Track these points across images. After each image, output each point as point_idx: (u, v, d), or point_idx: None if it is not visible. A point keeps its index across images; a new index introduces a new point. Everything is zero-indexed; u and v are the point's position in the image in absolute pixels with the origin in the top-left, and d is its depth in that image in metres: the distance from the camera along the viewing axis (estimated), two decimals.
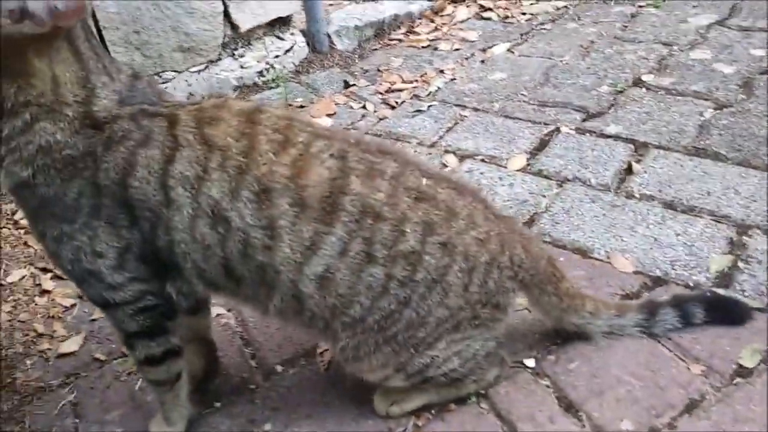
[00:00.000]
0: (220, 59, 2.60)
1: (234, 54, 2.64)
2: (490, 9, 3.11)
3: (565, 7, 3.06)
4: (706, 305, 1.33)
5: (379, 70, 2.71)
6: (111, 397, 1.39)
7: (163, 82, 2.46)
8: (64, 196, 1.02)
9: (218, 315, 1.56)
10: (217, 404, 1.34)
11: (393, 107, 2.42)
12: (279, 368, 1.41)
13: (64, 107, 0.99)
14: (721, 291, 1.43)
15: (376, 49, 2.92)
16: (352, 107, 2.47)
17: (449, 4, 3.16)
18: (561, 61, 2.55)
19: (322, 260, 1.05)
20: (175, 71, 2.48)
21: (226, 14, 2.53)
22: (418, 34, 2.98)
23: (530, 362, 1.33)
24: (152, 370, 1.19)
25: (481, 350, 1.20)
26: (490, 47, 2.77)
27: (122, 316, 1.12)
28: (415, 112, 2.34)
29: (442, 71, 2.63)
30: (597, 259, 1.56)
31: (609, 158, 1.91)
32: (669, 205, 1.70)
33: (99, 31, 2.28)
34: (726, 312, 1.35)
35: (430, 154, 2.07)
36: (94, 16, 2.26)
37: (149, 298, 1.11)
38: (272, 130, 1.06)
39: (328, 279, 1.06)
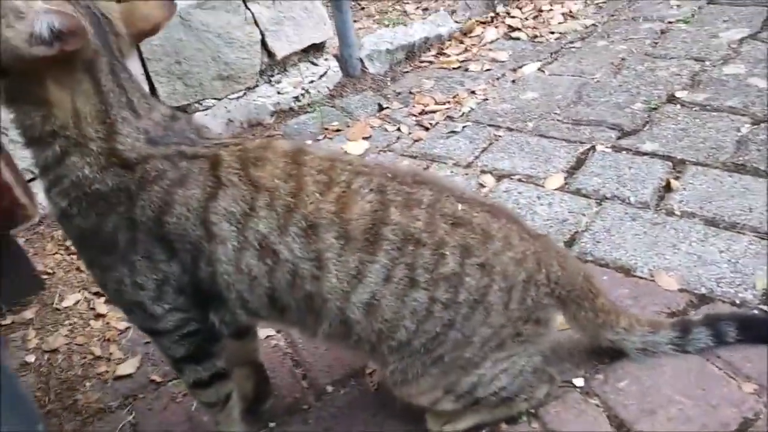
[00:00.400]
0: (257, 86, 2.67)
1: (270, 80, 2.72)
2: (518, 29, 3.15)
3: (594, 25, 3.09)
4: (738, 324, 1.34)
5: (411, 93, 2.76)
6: (169, 417, 1.44)
7: (204, 110, 2.55)
8: (101, 230, 1.05)
9: (268, 336, 1.61)
10: (272, 424, 1.38)
11: (427, 129, 2.46)
12: (330, 388, 1.44)
13: (88, 142, 1.01)
14: None
15: (407, 72, 2.97)
16: (386, 129, 2.52)
17: (478, 25, 3.21)
18: (592, 79, 2.57)
19: (367, 288, 1.09)
20: (215, 99, 2.56)
21: (263, 43, 2.61)
22: (449, 55, 3.03)
23: (579, 382, 1.35)
24: (202, 392, 1.24)
25: (527, 366, 1.23)
26: (520, 67, 2.80)
27: (168, 342, 1.17)
28: (449, 133, 2.38)
29: (473, 92, 2.67)
30: (641, 278, 1.57)
31: (647, 176, 1.92)
32: (711, 222, 1.70)
33: (143, 62, 2.37)
34: (759, 330, 1.35)
35: (466, 174, 2.10)
36: (138, 48, 2.35)
37: (192, 324, 1.15)
38: (317, 171, 1.10)
39: (374, 305, 1.10)
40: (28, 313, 1.83)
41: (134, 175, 1.03)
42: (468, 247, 1.12)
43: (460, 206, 1.15)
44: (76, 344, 1.70)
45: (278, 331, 1.62)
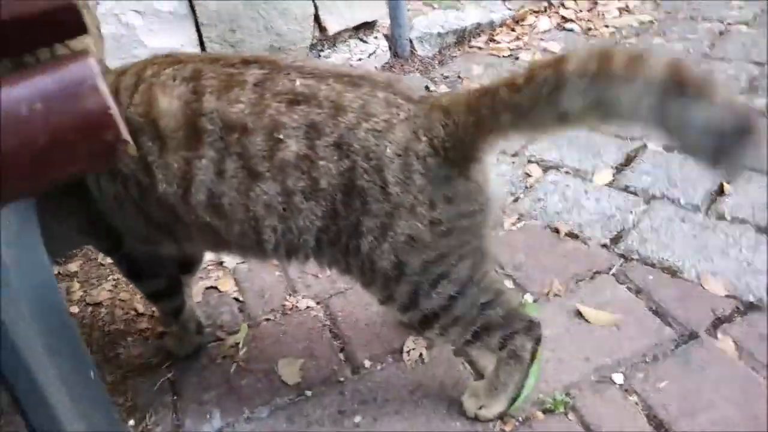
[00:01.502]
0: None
1: (319, 55, 2.72)
2: (572, 20, 3.09)
3: (651, 21, 3.02)
4: None
5: (459, 77, 2.74)
6: (207, 378, 1.47)
7: None
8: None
9: (308, 308, 1.62)
10: (308, 393, 1.40)
11: None
12: (367, 363, 1.45)
13: None
14: None
15: (456, 56, 2.95)
16: None
17: (531, 13, 3.16)
18: None
19: (201, 186, 1.04)
20: None
21: (316, 17, 2.61)
22: (499, 42, 2.99)
23: (618, 378, 1.34)
24: (155, 303, 1.50)
25: (474, 274, 1.09)
26: None
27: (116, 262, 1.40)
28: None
29: None
30: (687, 280, 1.54)
31: (698, 178, 1.88)
32: (763, 230, 1.66)
33: (198, 28, 2.39)
34: None
35: (513, 162, 2.08)
36: (194, 13, 2.37)
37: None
38: (131, 75, 1.07)
39: (217, 204, 1.04)
40: (73, 266, 1.88)
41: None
42: (314, 125, 0.99)
43: (299, 81, 1.01)
44: (119, 299, 1.74)
45: (318, 303, 1.63)
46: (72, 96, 0.50)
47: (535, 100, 0.90)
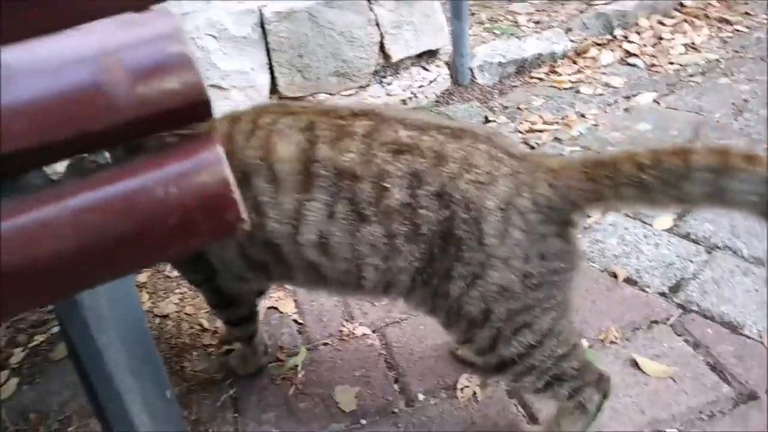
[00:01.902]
0: (369, 85, 2.74)
1: (382, 81, 2.78)
2: (636, 55, 3.08)
3: (717, 60, 2.98)
4: None
5: (519, 108, 2.76)
6: (267, 397, 1.53)
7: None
8: None
9: (364, 335, 1.67)
10: (363, 421, 1.44)
11: (533, 147, 2.46)
12: (421, 396, 1.49)
13: None
14: None
15: (516, 86, 2.97)
16: None
17: (593, 46, 3.16)
18: (711, 118, 2.49)
19: (312, 227, 1.10)
20: (328, 93, 2.65)
21: (381, 44, 2.68)
22: (560, 74, 3.00)
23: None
24: (231, 329, 1.56)
25: (554, 327, 1.12)
26: (634, 95, 2.75)
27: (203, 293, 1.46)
28: (556, 155, 2.37)
29: (583, 115, 2.64)
30: (748, 337, 1.53)
31: (762, 230, 1.86)
32: None
33: (268, 52, 2.49)
34: None
35: None
36: (266, 38, 2.46)
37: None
38: (247, 121, 1.15)
39: (325, 243, 1.11)
40: (142, 277, 1.98)
41: None
42: (417, 174, 1.05)
43: (403, 132, 1.08)
44: (186, 313, 1.83)
45: (374, 331, 1.68)
46: (202, 182, 0.56)
47: (660, 181, 0.99)
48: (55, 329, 1.76)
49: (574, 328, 1.21)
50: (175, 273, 1.96)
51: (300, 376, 1.57)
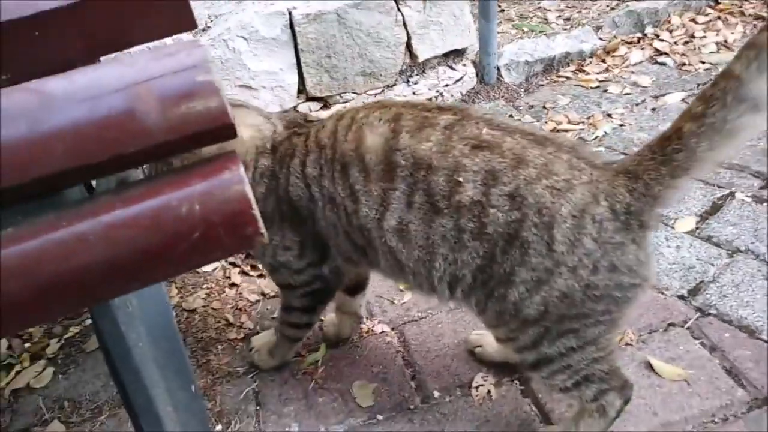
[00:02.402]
0: (395, 84, 2.78)
1: (408, 81, 2.81)
2: (666, 53, 3.04)
3: None
4: None
5: (544, 107, 2.76)
6: (288, 391, 1.59)
7: (343, 102, 2.69)
8: (264, 208, 1.30)
9: (383, 332, 1.72)
10: (380, 416, 1.49)
11: None
12: (436, 394, 1.53)
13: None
14: None
15: (542, 85, 2.97)
16: None
17: (623, 44, 3.13)
18: None
19: (394, 214, 1.16)
20: (355, 93, 2.69)
21: (408, 44, 2.71)
22: (588, 73, 2.99)
23: None
24: (288, 329, 1.56)
25: (601, 337, 1.14)
26: (663, 95, 2.72)
27: (292, 296, 1.47)
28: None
29: (610, 115, 2.63)
30: (766, 341, 1.52)
31: None
32: None
33: (297, 53, 2.54)
34: None
35: None
36: (295, 39, 2.52)
37: (317, 282, 1.40)
38: (346, 118, 1.26)
39: (404, 231, 1.16)
40: None
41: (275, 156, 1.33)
42: (494, 173, 1.06)
43: (485, 130, 1.09)
44: (212, 308, 1.90)
45: (392, 329, 1.72)
46: (225, 199, 0.61)
47: (723, 108, 0.96)
48: (89, 321, 1.85)
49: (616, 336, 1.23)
50: (203, 268, 2.04)
51: (320, 371, 1.63)
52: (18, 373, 1.72)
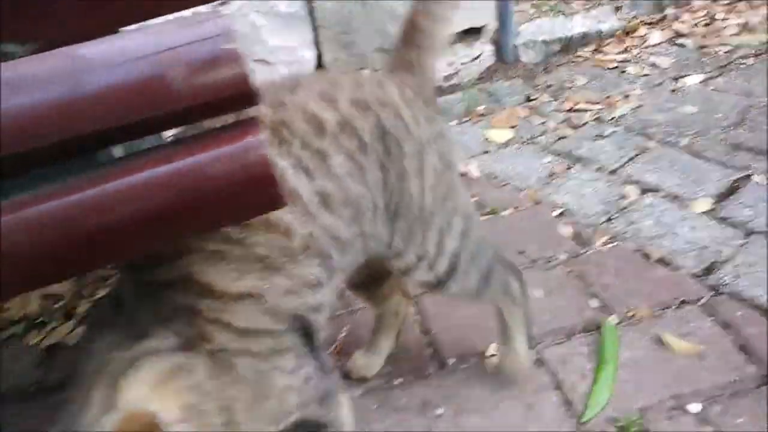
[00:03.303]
0: None
1: None
2: (685, 35, 3.03)
3: None
4: None
5: (562, 87, 2.77)
6: None
7: None
8: None
9: None
10: (397, 381, 1.53)
11: (575, 127, 2.48)
12: (451, 361, 1.57)
13: None
14: None
15: (560, 65, 2.97)
16: (531, 122, 2.56)
17: (642, 25, 3.12)
18: (760, 101, 2.45)
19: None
20: (373, 69, 2.71)
21: None
22: (606, 53, 2.99)
23: (695, 408, 1.38)
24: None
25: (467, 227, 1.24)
26: (682, 77, 2.72)
27: None
28: (596, 136, 2.38)
29: (628, 96, 2.63)
30: None
31: None
32: None
33: (315, 29, 2.56)
34: None
35: (609, 182, 2.12)
36: (312, 15, 2.53)
37: None
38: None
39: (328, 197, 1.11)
40: None
41: None
42: (327, 95, 1.10)
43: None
44: None
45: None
46: (247, 163, 0.67)
47: None
48: None
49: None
50: None
51: (340, 337, 1.67)
52: (51, 330, 1.79)
